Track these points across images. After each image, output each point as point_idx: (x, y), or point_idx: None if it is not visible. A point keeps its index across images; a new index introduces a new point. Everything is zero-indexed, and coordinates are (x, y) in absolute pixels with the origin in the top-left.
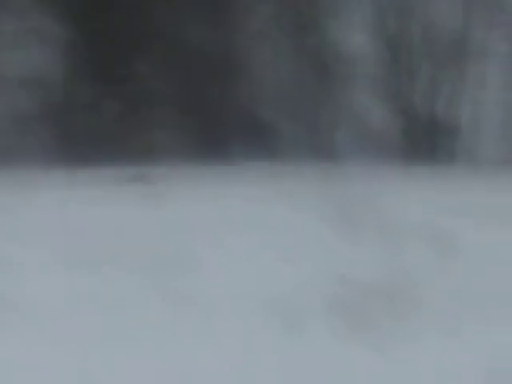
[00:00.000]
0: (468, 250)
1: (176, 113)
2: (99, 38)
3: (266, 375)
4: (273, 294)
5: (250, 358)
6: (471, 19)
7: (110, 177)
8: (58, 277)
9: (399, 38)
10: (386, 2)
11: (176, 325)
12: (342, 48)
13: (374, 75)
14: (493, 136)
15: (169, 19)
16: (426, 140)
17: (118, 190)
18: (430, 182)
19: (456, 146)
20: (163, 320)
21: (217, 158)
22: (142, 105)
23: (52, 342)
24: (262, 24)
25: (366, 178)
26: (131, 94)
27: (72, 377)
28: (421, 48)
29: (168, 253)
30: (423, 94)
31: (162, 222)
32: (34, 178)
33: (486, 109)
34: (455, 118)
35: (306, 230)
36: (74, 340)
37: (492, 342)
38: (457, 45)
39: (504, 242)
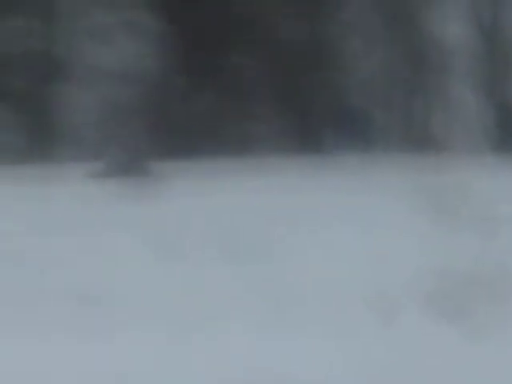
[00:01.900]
0: None
1: (269, 103)
2: (192, 30)
3: (362, 367)
4: (370, 285)
5: (348, 350)
6: None
7: (200, 167)
8: (149, 267)
9: (494, 29)
10: None
11: (270, 316)
12: (437, 38)
13: (469, 66)
14: None
15: (261, 11)
16: None
17: (208, 181)
18: None
19: None
20: (255, 310)
21: (310, 149)
22: (235, 96)
23: (147, 334)
24: (355, 14)
25: (460, 168)
26: (224, 86)
27: (174, 365)
28: None
29: (261, 244)
30: None
31: (254, 212)
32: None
33: None
34: None
35: (401, 221)
36: (169, 330)
37: None
38: None
39: None
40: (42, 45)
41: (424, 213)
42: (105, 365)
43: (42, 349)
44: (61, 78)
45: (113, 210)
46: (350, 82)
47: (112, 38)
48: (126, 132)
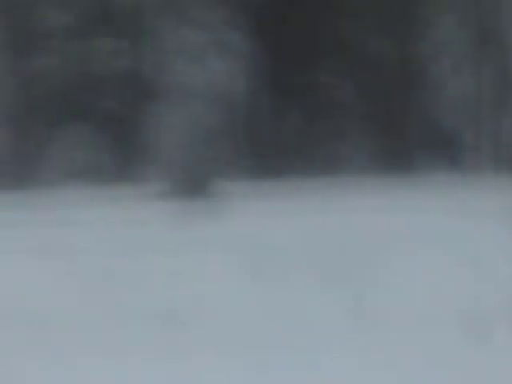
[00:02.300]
0: None
1: (358, 123)
2: (281, 50)
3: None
4: (465, 305)
5: (442, 367)
6: None
7: (295, 187)
8: (244, 288)
9: None
10: None
11: (366, 337)
12: None
13: None
14: None
15: (350, 30)
16: None
17: (297, 200)
18: None
19: None
20: (351, 332)
21: (399, 168)
22: (324, 115)
23: (239, 355)
24: (445, 34)
25: None
26: (313, 105)
27: None
28: None
29: (353, 264)
30: None
31: (342, 231)
32: (219, 189)
33: None
34: None
35: (491, 242)
36: (253, 356)
37: None
38: None
39: None
40: (131, 65)
41: None
42: None
43: (123, 368)
44: (150, 98)
45: (190, 231)
46: (440, 101)
47: (202, 58)
48: (213, 151)
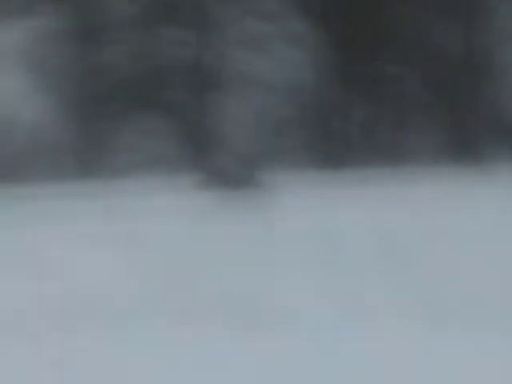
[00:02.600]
0: None
1: (424, 114)
2: (346, 40)
3: None
4: None
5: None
6: None
7: (360, 178)
8: (315, 277)
9: None
10: None
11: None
12: None
13: None
14: None
15: (415, 20)
16: None
17: (364, 191)
18: None
19: None
20: (424, 331)
21: (466, 160)
22: (390, 105)
23: (312, 350)
24: (509, 22)
25: None
26: (378, 95)
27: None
28: None
29: (417, 256)
30: None
31: (408, 224)
32: (287, 181)
33: None
34: None
35: None
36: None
37: None
38: None
39: None
40: (196, 55)
41: None
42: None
43: (204, 354)
44: (215, 88)
45: (259, 221)
46: (506, 92)
47: (266, 48)
48: (278, 142)
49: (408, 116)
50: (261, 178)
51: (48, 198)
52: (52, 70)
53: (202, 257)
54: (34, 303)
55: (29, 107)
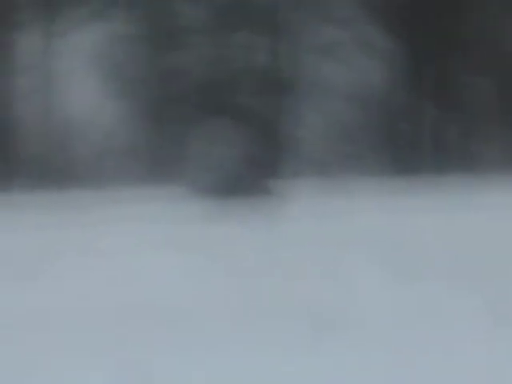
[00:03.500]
0: None
1: (494, 120)
2: (418, 47)
3: None
4: None
5: None
6: None
7: (431, 184)
8: (386, 289)
9: None
10: None
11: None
12: None
13: None
14: None
15: (489, 28)
16: None
17: (433, 198)
18: None
19: None
20: (490, 337)
21: None
22: (461, 112)
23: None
24: None
25: None
26: (451, 103)
27: None
28: None
29: (490, 263)
30: None
31: (478, 231)
32: (358, 186)
33: None
34: None
35: None
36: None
37: None
38: None
39: None
40: (268, 61)
41: None
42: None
43: (266, 364)
44: (287, 94)
45: (339, 226)
46: None
47: (339, 54)
48: (350, 147)
49: (479, 122)
50: (343, 183)
51: (122, 201)
52: (125, 74)
53: (282, 261)
54: (112, 306)
55: (103, 111)
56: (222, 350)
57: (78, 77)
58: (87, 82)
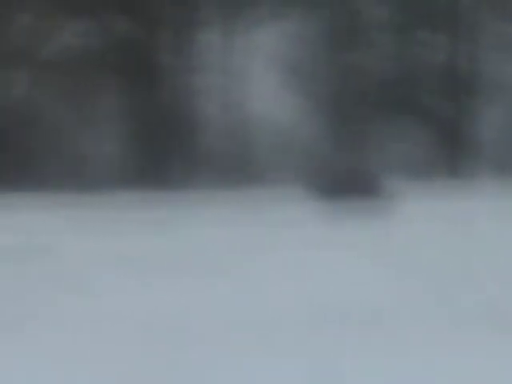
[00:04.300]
0: None
1: None
2: None
3: None
4: None
5: None
6: None
7: None
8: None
9: None
10: None
11: None
12: None
13: None
14: None
15: None
16: None
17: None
18: None
19: None
20: None
21: None
22: None
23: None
24: None
25: None
26: None
27: None
28: None
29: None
30: None
31: None
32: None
33: None
34: None
35: None
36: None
37: None
38: None
39: None
40: (448, 58)
41: None
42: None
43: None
44: (468, 93)
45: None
46: None
47: None
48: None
49: None
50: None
51: (293, 200)
52: (304, 72)
53: (463, 261)
54: (300, 304)
55: (283, 108)
56: (419, 351)
57: (258, 74)
58: (267, 79)
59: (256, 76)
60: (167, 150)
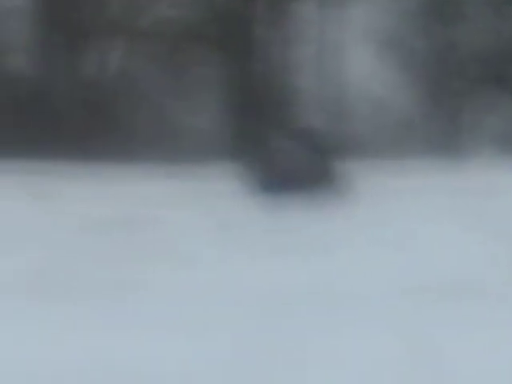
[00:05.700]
0: None
1: None
2: None
3: None
4: None
5: None
6: None
7: None
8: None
9: None
10: None
11: None
12: None
13: None
14: None
15: None
16: None
17: None
18: None
19: None
20: None
21: None
22: None
23: None
24: None
25: None
26: None
27: None
28: None
29: None
30: None
31: None
32: None
33: None
34: None
35: None
36: None
37: None
38: None
39: None
40: None
41: None
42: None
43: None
44: None
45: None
46: None
47: None
48: None
49: None
50: None
51: (402, 173)
52: (405, 47)
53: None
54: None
55: (380, 83)
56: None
57: (355, 48)
58: (363, 53)
59: (352, 49)
60: (262, 122)
